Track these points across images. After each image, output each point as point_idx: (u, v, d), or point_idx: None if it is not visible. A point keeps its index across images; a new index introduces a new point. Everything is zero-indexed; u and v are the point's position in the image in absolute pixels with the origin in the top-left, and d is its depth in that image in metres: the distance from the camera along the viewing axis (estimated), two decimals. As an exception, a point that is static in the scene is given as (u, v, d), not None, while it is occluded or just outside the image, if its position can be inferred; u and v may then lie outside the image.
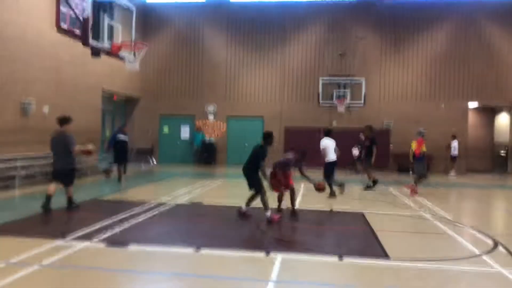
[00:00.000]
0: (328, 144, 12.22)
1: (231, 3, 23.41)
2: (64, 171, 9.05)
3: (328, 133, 12.65)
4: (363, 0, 22.62)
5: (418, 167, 13.21)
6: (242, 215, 8.76)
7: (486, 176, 21.12)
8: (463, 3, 22.16)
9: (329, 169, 12.21)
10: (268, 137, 8.90)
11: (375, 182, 14.12)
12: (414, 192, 13.06)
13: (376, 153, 13.97)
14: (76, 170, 9.54)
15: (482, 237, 7.83)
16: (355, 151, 18.98)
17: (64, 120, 9.08)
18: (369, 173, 14.31)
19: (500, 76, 22.03)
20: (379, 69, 22.54)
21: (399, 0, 22.49)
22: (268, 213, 8.55)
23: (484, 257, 6.50)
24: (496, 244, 7.25)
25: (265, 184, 8.79)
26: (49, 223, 8.29)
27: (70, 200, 9.31)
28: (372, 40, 22.58)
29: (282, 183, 9.31)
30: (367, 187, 14.10)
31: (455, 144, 20.41)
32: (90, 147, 9.36)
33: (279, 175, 9.27)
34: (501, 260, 6.29)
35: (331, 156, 12.17)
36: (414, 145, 13.25)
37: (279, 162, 9.44)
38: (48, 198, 8.77)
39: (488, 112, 24.42)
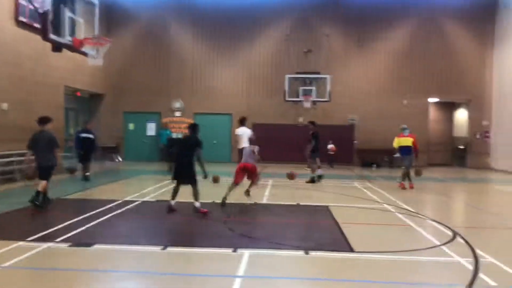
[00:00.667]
0: (244, 132, 12.85)
1: (197, -2, 23.26)
2: (46, 167, 9.32)
3: (243, 121, 13.39)
4: (328, -3, 22.93)
5: (407, 161, 13.58)
6: (197, 211, 9.00)
7: (446, 170, 21.86)
8: (423, 1, 22.77)
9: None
10: (196, 127, 9.48)
11: (320, 176, 14.75)
12: (403, 186, 13.53)
13: (315, 148, 14.49)
14: (54, 168, 9.57)
15: (442, 228, 8.12)
16: (330, 146, 19.55)
17: (45, 120, 9.56)
18: (312, 167, 14.80)
19: (459, 73, 22.80)
20: (344, 66, 22.89)
21: (362, -2, 22.93)
22: (198, 204, 9.00)
23: (444, 248, 6.75)
24: (455, 235, 7.53)
25: (203, 171, 9.26)
26: (10, 223, 8.03)
27: (45, 195, 9.28)
28: (337, 37, 22.90)
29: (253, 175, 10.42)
30: (312, 181, 14.53)
31: None
32: None
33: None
34: (459, 250, 6.55)
35: (245, 143, 12.58)
36: (405, 141, 13.57)
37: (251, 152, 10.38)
38: (44, 194, 9.25)
39: (448, 107, 25.24)
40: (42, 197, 9.16)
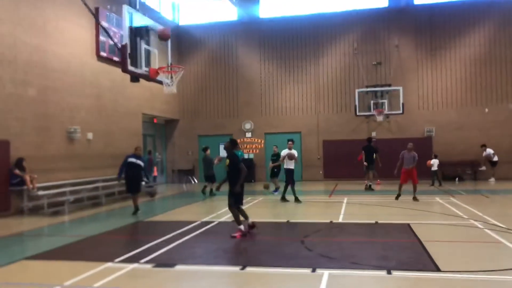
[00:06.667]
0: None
1: (263, 19, 23.66)
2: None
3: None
4: (395, 6, 22.32)
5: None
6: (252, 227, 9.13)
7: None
8: (501, 2, 21.49)
9: None
10: (233, 142, 9.31)
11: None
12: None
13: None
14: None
15: (539, 245, 7.45)
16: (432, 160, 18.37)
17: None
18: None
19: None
20: (417, 76, 22.07)
21: (433, 4, 22.10)
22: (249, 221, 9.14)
23: (543, 266, 6.18)
24: (555, 252, 6.88)
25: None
26: (97, 246, 8.50)
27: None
28: (407, 47, 22.19)
29: None
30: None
31: (490, 151, 19.90)
32: None
33: None
34: (562, 269, 5.96)
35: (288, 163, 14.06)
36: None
37: None
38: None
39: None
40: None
